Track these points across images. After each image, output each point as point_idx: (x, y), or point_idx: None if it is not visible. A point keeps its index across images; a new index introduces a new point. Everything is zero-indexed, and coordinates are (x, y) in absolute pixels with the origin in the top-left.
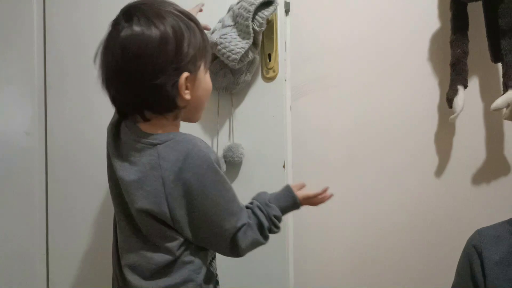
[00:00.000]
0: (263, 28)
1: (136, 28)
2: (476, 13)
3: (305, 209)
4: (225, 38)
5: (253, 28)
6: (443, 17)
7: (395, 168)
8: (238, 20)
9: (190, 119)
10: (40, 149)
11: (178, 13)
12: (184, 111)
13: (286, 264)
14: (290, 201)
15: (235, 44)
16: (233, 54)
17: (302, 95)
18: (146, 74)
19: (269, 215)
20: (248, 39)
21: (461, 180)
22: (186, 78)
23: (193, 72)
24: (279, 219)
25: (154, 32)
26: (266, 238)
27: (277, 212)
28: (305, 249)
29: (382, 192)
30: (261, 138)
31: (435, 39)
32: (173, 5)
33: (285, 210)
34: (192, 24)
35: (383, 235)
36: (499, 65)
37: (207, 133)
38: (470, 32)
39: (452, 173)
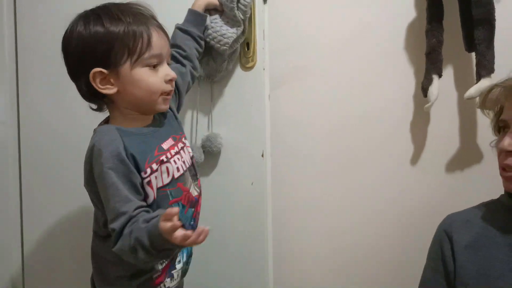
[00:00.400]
0: (248, 15)
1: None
2: (451, 3)
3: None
4: (215, 22)
5: (240, 17)
6: (419, 7)
7: (371, 157)
8: (224, 9)
9: (146, 111)
10: (13, 138)
11: (99, 11)
12: (129, 105)
13: (266, 265)
14: (156, 230)
15: (226, 29)
16: (224, 38)
17: (281, 85)
18: (69, 73)
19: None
20: (238, 26)
21: (436, 168)
22: (97, 74)
23: (111, 67)
24: (143, 245)
25: (67, 33)
26: (135, 256)
27: (142, 236)
28: (284, 250)
29: (358, 180)
30: (239, 128)
31: (412, 28)
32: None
33: (151, 237)
34: (115, 20)
35: (360, 226)
36: (473, 54)
37: (186, 122)
38: (446, 22)
39: (426, 161)
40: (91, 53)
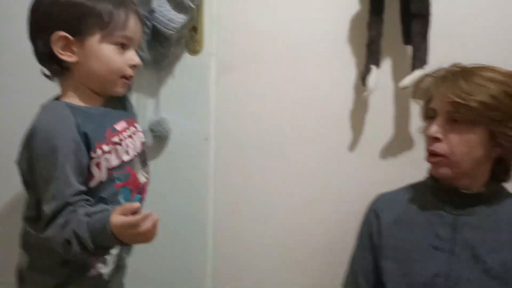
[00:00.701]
0: (195, 2)
1: None
2: None
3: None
4: (163, 6)
5: (188, 5)
6: (363, 0)
7: (312, 143)
8: None
9: (101, 91)
10: None
11: None
12: (85, 80)
13: (206, 243)
14: (100, 226)
15: (174, 14)
16: (172, 23)
17: (230, 71)
18: (29, 31)
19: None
20: (186, 12)
21: (371, 153)
22: (61, 38)
23: (77, 35)
24: (80, 240)
25: None
26: (68, 249)
27: (82, 230)
28: (225, 228)
29: (298, 165)
30: (185, 112)
31: (355, 21)
32: None
33: (94, 233)
34: None
35: (299, 209)
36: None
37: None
38: (386, 16)
39: (363, 147)
40: (62, 15)
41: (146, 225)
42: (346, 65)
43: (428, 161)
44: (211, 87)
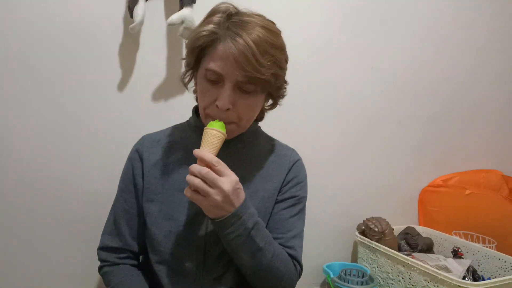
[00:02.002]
0: None
1: None
2: None
3: None
4: None
5: None
6: None
7: (82, 84)
8: None
9: None
10: None
11: None
12: None
13: None
14: None
15: None
16: None
17: None
18: None
19: None
20: None
21: (142, 95)
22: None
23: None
24: None
25: None
26: None
27: None
28: None
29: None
30: None
31: None
32: None
33: None
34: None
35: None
36: None
37: None
38: None
39: (134, 88)
40: None
41: None
42: None
43: (204, 113)
44: None
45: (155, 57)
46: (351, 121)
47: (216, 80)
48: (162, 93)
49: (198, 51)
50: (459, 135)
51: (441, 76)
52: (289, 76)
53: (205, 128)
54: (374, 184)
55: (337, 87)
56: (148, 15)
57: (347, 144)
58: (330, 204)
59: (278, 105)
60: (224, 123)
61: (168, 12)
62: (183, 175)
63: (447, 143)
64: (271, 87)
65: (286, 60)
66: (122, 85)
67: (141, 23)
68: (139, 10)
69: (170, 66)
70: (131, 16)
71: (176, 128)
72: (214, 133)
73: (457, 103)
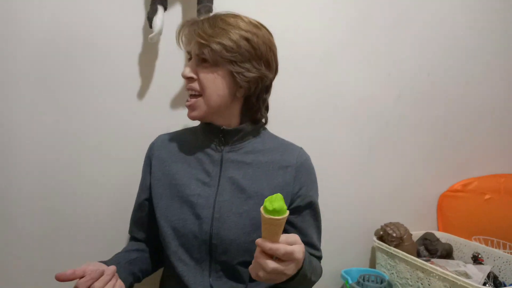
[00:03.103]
0: None
1: None
2: None
3: None
4: None
5: None
6: None
7: (99, 95)
8: None
9: None
10: None
11: None
12: None
13: None
14: None
15: None
16: None
17: None
18: None
19: None
20: None
21: (162, 102)
22: None
23: None
24: None
25: None
26: None
27: None
28: None
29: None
30: None
31: None
32: None
33: None
34: None
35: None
36: None
37: None
38: None
39: (154, 95)
40: None
41: None
42: (134, 7)
43: (186, 104)
44: None
45: (173, 65)
46: (368, 126)
47: (189, 59)
48: (181, 101)
49: None
50: (477, 139)
51: (457, 79)
52: (304, 82)
53: (265, 216)
54: (391, 190)
55: (353, 93)
56: (167, 24)
57: (363, 149)
58: (348, 209)
59: (265, 100)
60: (190, 96)
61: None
62: (188, 172)
63: (465, 148)
64: (224, 60)
65: (246, 39)
66: (141, 93)
67: (160, 33)
68: (158, 20)
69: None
70: (150, 27)
71: (189, 129)
72: (273, 222)
73: (473, 106)
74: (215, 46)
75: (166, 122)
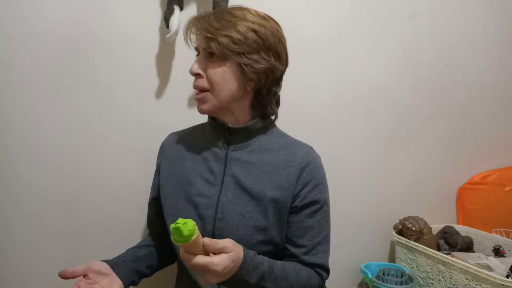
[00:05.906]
0: None
1: None
2: None
3: None
4: None
5: None
6: None
7: (119, 92)
8: None
9: None
10: None
11: None
12: None
13: None
14: None
15: None
16: None
17: None
18: None
19: None
20: None
21: (179, 101)
22: None
23: None
24: None
25: None
26: None
27: None
28: None
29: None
30: None
31: None
32: None
33: None
34: None
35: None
36: None
37: None
38: None
39: (171, 94)
40: None
41: None
42: (151, 8)
43: (195, 98)
44: None
45: (190, 64)
46: (385, 118)
47: (198, 55)
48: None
49: None
50: (496, 130)
51: (476, 69)
52: (319, 75)
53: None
54: (409, 183)
55: (369, 84)
56: (183, 24)
57: (381, 142)
58: (366, 203)
59: (277, 95)
60: (199, 91)
61: None
62: (194, 169)
63: (484, 139)
64: (232, 52)
65: (254, 30)
66: (159, 93)
67: (177, 32)
68: (174, 20)
69: None
70: (167, 26)
71: (199, 126)
72: (185, 247)
73: (491, 96)
74: (222, 39)
75: (182, 121)
